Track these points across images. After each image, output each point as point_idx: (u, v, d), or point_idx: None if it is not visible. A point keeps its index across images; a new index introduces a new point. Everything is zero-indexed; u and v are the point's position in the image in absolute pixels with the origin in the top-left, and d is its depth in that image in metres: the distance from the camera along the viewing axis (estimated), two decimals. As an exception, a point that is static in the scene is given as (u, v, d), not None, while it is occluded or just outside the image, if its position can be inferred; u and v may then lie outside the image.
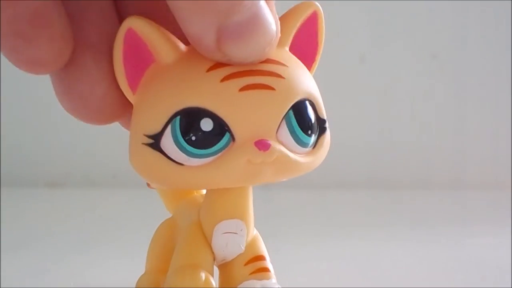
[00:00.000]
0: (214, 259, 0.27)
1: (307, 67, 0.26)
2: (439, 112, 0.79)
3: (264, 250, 0.28)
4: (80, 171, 0.79)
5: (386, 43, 0.79)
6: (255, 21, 0.23)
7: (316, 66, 0.27)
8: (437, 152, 0.79)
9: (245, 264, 0.27)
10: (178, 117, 0.23)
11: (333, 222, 0.55)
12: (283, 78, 0.24)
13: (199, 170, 0.24)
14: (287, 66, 0.24)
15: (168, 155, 0.24)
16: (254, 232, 0.28)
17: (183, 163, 0.24)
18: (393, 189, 0.76)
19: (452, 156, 0.79)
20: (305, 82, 0.25)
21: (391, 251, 0.40)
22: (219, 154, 0.24)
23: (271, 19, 0.23)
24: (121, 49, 0.24)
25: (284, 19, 0.26)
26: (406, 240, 0.44)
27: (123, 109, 0.25)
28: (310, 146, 0.25)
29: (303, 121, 0.25)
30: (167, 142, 0.24)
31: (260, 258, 0.27)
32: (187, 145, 0.24)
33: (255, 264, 0.27)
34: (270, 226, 0.32)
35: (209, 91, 0.23)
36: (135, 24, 0.24)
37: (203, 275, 0.25)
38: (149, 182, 0.27)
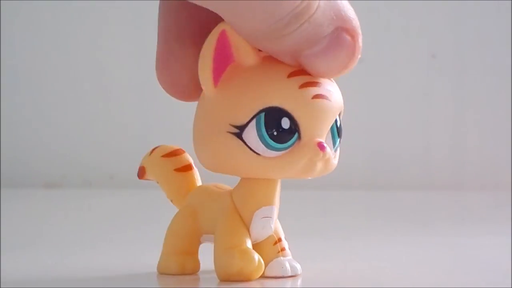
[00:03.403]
0: None
1: None
2: (439, 112, 0.79)
3: (282, 232, 0.32)
4: (77, 172, 0.79)
5: (386, 42, 0.79)
6: (330, 51, 0.28)
7: None
8: (437, 152, 0.79)
9: (274, 244, 0.31)
10: (263, 114, 0.28)
11: (333, 222, 0.55)
12: (333, 92, 0.29)
13: (272, 161, 0.28)
14: (333, 82, 0.29)
15: (249, 144, 0.28)
16: None
17: (260, 153, 0.28)
18: (393, 189, 0.76)
19: (452, 156, 0.79)
20: (341, 96, 0.30)
21: (391, 251, 0.40)
22: (288, 150, 0.28)
23: (345, 46, 0.28)
24: (213, 47, 0.28)
25: None
26: (406, 240, 0.44)
27: (197, 95, 0.30)
28: (335, 150, 0.30)
29: (338, 128, 0.30)
30: (250, 134, 0.28)
31: (280, 239, 0.31)
32: (269, 138, 0.28)
33: (279, 244, 0.31)
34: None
35: (290, 95, 0.28)
36: (228, 28, 0.28)
37: (256, 257, 0.29)
38: (214, 170, 0.30)
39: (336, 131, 0.30)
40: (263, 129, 0.28)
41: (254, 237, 0.30)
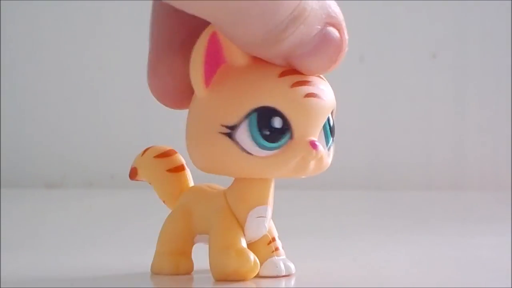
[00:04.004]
0: None
1: None
2: (439, 112, 0.79)
3: (276, 232, 0.32)
4: (78, 172, 0.79)
5: (386, 42, 0.79)
6: (319, 48, 0.28)
7: None
8: (437, 152, 0.79)
9: (268, 244, 0.31)
10: (255, 113, 0.28)
11: (333, 222, 0.54)
12: (325, 90, 0.29)
13: (265, 161, 0.28)
14: (324, 80, 0.29)
15: (240, 144, 0.28)
16: None
17: (253, 153, 0.28)
18: (393, 189, 0.76)
19: (452, 156, 0.79)
20: (333, 94, 0.30)
21: (391, 251, 0.40)
22: (280, 149, 0.28)
23: (334, 41, 0.28)
24: (203, 49, 0.28)
25: None
26: (406, 240, 0.44)
27: (187, 103, 0.30)
28: (328, 148, 0.30)
29: (331, 127, 0.30)
30: (242, 134, 0.28)
31: (274, 239, 0.32)
32: (261, 138, 0.28)
33: (273, 244, 0.31)
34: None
35: (281, 95, 0.28)
36: (218, 29, 0.28)
37: (252, 256, 0.30)
38: (206, 171, 0.30)
39: (329, 130, 0.30)
40: (256, 129, 0.28)
41: (248, 236, 0.31)
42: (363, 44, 0.78)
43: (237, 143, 0.28)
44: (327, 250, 0.40)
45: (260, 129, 0.28)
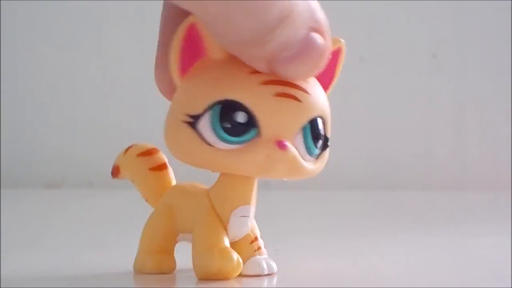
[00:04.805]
0: None
1: None
2: (439, 112, 0.79)
3: (258, 231, 0.32)
4: (78, 172, 0.79)
5: (386, 42, 0.79)
6: (303, 53, 0.27)
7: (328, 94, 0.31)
8: (437, 152, 0.79)
9: (250, 243, 0.31)
10: (219, 105, 0.28)
11: (333, 222, 0.54)
12: (309, 94, 0.29)
13: (224, 154, 0.28)
14: (309, 83, 0.29)
15: (202, 134, 0.28)
16: None
17: (212, 144, 0.28)
18: (393, 189, 0.76)
19: (452, 156, 0.79)
20: (323, 101, 0.29)
21: (391, 252, 0.40)
22: (244, 144, 0.28)
23: (318, 47, 0.27)
24: (180, 38, 0.28)
25: None
26: (406, 240, 0.44)
27: None
28: (314, 157, 0.29)
29: (315, 134, 0.29)
30: (204, 124, 0.28)
31: (257, 238, 0.32)
32: (221, 130, 0.28)
33: (255, 243, 0.31)
34: (270, 226, 0.32)
35: (249, 90, 0.28)
36: (198, 21, 0.28)
37: (235, 256, 0.30)
38: (179, 159, 0.30)
39: (312, 136, 0.29)
40: (216, 121, 0.28)
41: (231, 236, 0.31)
42: (363, 44, 0.78)
43: (199, 133, 0.28)
44: (326, 250, 0.40)
45: (222, 122, 0.28)
